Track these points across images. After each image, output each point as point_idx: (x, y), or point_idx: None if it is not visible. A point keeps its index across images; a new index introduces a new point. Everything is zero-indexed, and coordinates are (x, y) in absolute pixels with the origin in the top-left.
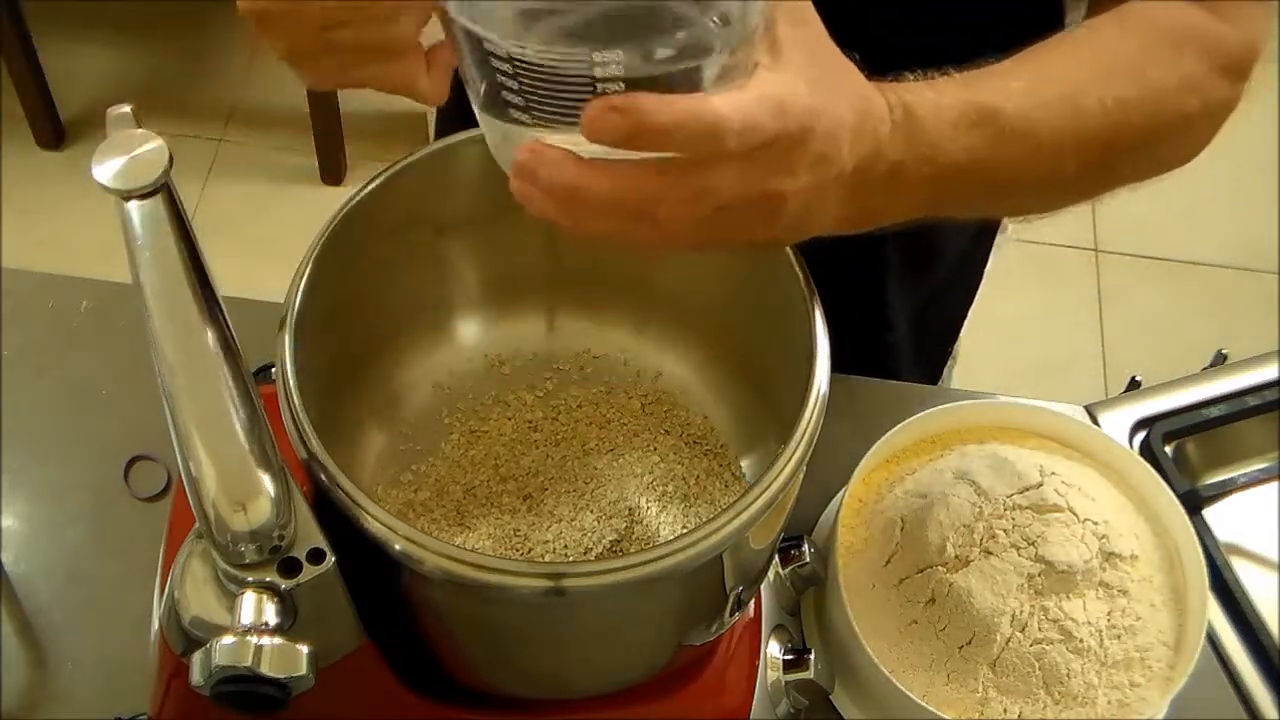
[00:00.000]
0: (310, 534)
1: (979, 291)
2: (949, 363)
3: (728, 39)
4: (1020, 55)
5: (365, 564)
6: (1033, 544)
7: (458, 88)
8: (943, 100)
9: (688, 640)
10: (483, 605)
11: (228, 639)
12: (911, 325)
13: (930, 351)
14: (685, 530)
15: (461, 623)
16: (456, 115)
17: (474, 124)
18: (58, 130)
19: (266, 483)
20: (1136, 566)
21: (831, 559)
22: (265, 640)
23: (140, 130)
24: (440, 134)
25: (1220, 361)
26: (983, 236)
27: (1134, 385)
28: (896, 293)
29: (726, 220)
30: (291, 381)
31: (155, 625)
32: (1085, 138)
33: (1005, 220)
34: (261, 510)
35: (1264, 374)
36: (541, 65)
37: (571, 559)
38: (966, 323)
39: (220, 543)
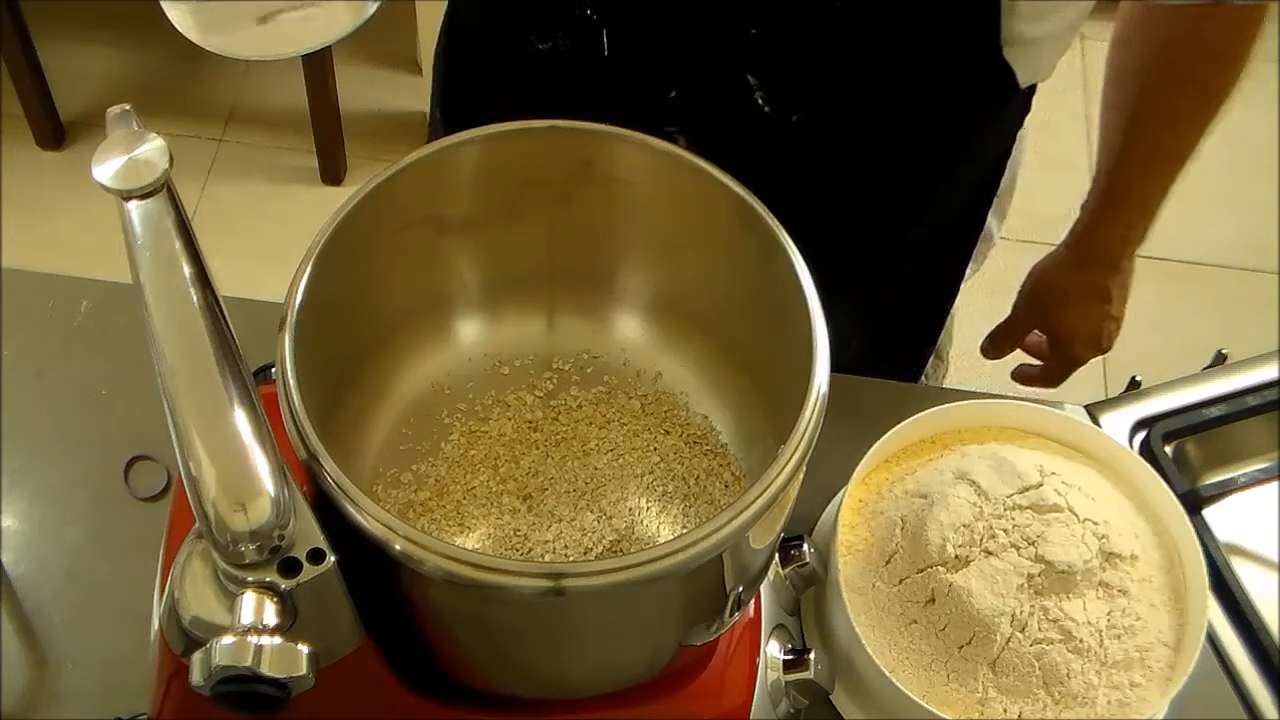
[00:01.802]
0: (310, 534)
1: (964, 294)
2: (936, 364)
3: None
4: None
5: (365, 564)
6: (1033, 544)
7: (452, 91)
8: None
9: (688, 640)
10: (483, 605)
11: (228, 639)
12: (875, 338)
13: (901, 359)
14: (685, 530)
15: (461, 623)
16: (452, 120)
17: (468, 126)
18: (58, 130)
19: (266, 483)
20: (1136, 566)
21: (831, 559)
22: (265, 640)
23: (140, 130)
24: (434, 136)
25: (1220, 361)
26: (957, 255)
27: (1134, 385)
28: (846, 315)
29: None
30: (291, 381)
31: (155, 625)
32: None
33: (988, 229)
34: (261, 510)
35: (1264, 374)
36: None
37: (571, 559)
38: (967, 322)
39: (220, 543)
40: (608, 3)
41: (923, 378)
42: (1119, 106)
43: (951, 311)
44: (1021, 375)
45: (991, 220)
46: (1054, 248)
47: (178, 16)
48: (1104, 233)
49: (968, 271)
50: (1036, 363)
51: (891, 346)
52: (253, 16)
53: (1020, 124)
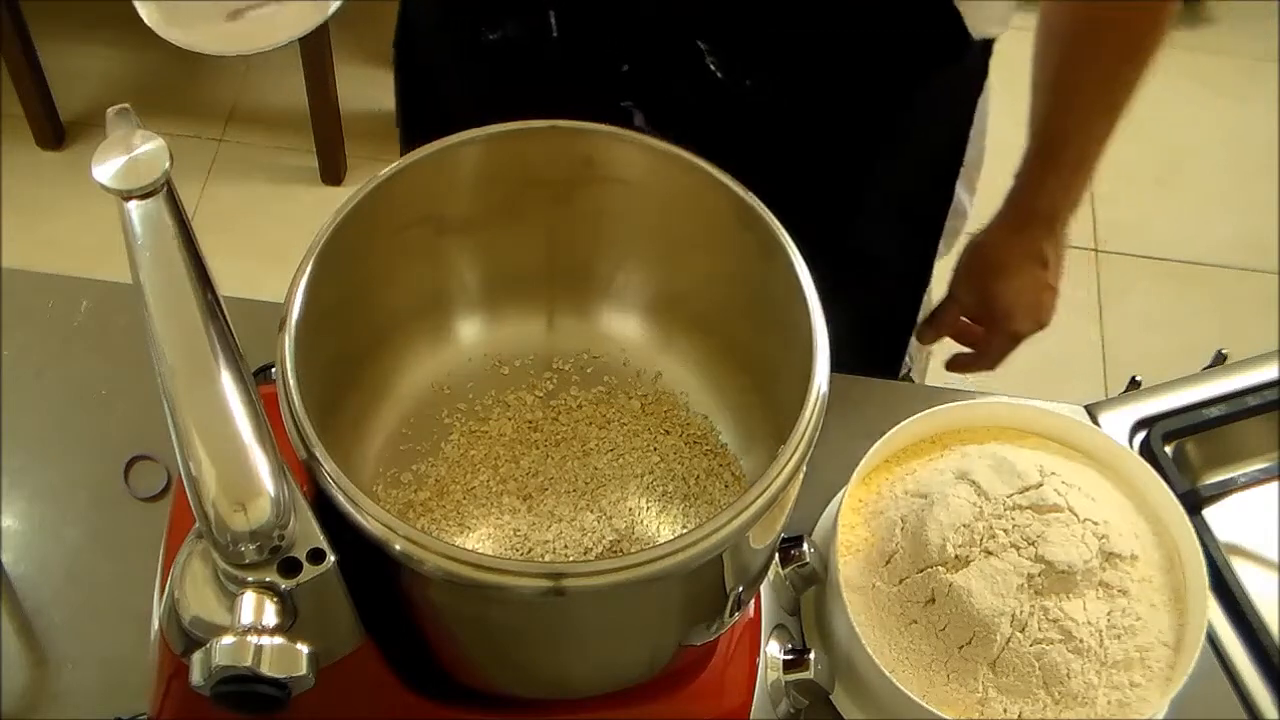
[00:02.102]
0: (310, 534)
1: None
2: (917, 349)
3: None
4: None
5: (365, 564)
6: (1033, 544)
7: (410, 89)
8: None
9: (688, 640)
10: (483, 605)
11: (228, 639)
12: (850, 322)
13: (880, 346)
14: (685, 530)
15: (461, 623)
16: (413, 119)
17: (432, 138)
18: (58, 130)
19: (266, 483)
20: (1136, 566)
21: (831, 559)
22: (265, 640)
23: (140, 130)
24: (407, 138)
25: (1220, 361)
26: (925, 232)
27: (1134, 385)
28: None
29: None
30: (291, 381)
31: (155, 625)
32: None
33: (960, 204)
34: (261, 510)
35: (1264, 374)
36: None
37: (571, 559)
38: None
39: (220, 543)
40: None
41: (906, 363)
42: (1048, 63)
43: (928, 297)
44: (957, 364)
45: (962, 194)
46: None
47: (146, 11)
48: (1039, 194)
49: (941, 249)
50: (969, 351)
51: (869, 329)
52: (220, 13)
53: (979, 89)
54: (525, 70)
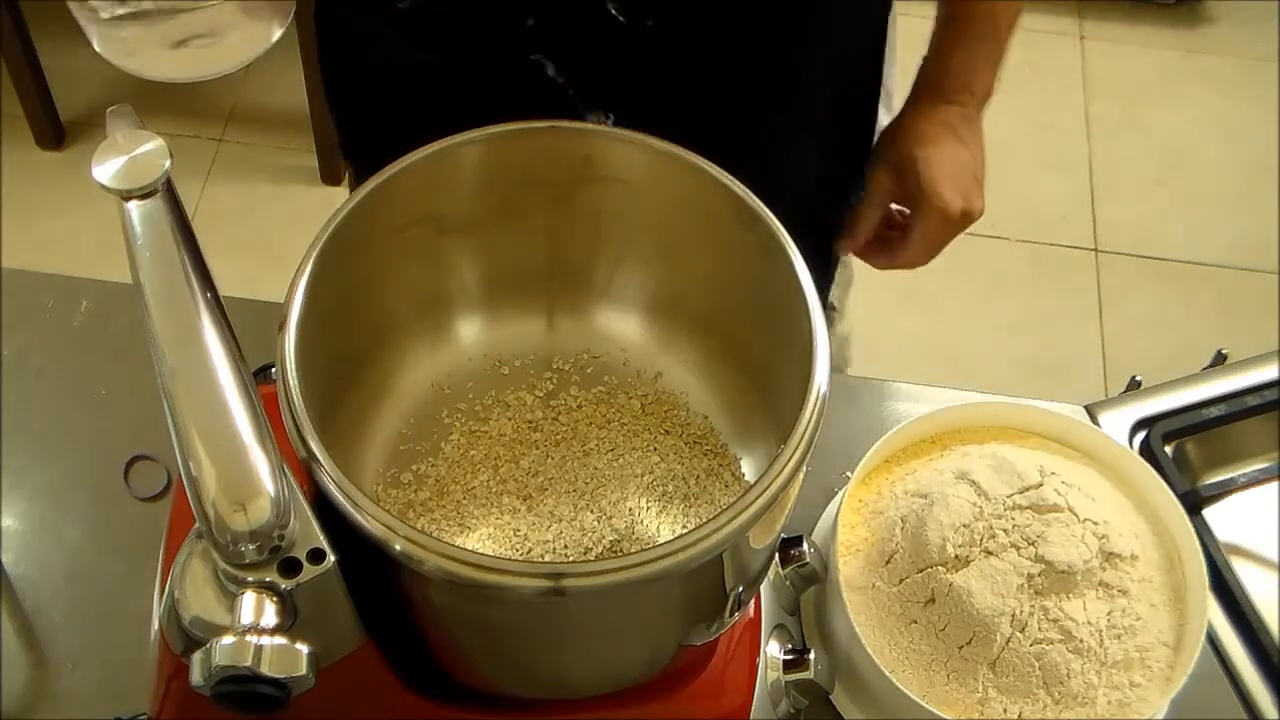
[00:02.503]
0: (310, 534)
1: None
2: (835, 317)
3: None
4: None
5: (365, 564)
6: (1033, 544)
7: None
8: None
9: (688, 640)
10: (483, 605)
11: (228, 639)
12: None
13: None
14: (685, 530)
15: (461, 623)
16: (339, 102)
17: (358, 113)
18: (58, 130)
19: (266, 483)
20: (1136, 566)
21: (831, 559)
22: (265, 640)
23: (140, 130)
24: (341, 121)
25: (1220, 361)
26: (851, 155)
27: (1134, 385)
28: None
29: None
30: (291, 381)
31: (155, 625)
32: None
33: (880, 125)
34: (261, 510)
35: (1264, 374)
36: None
37: (571, 559)
38: (967, 322)
39: (220, 543)
40: None
41: (831, 303)
42: None
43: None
44: (882, 255)
45: (882, 114)
46: (1054, 246)
47: (97, 41)
48: (948, 70)
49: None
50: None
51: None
52: (166, 42)
53: (884, 7)
54: (437, 35)
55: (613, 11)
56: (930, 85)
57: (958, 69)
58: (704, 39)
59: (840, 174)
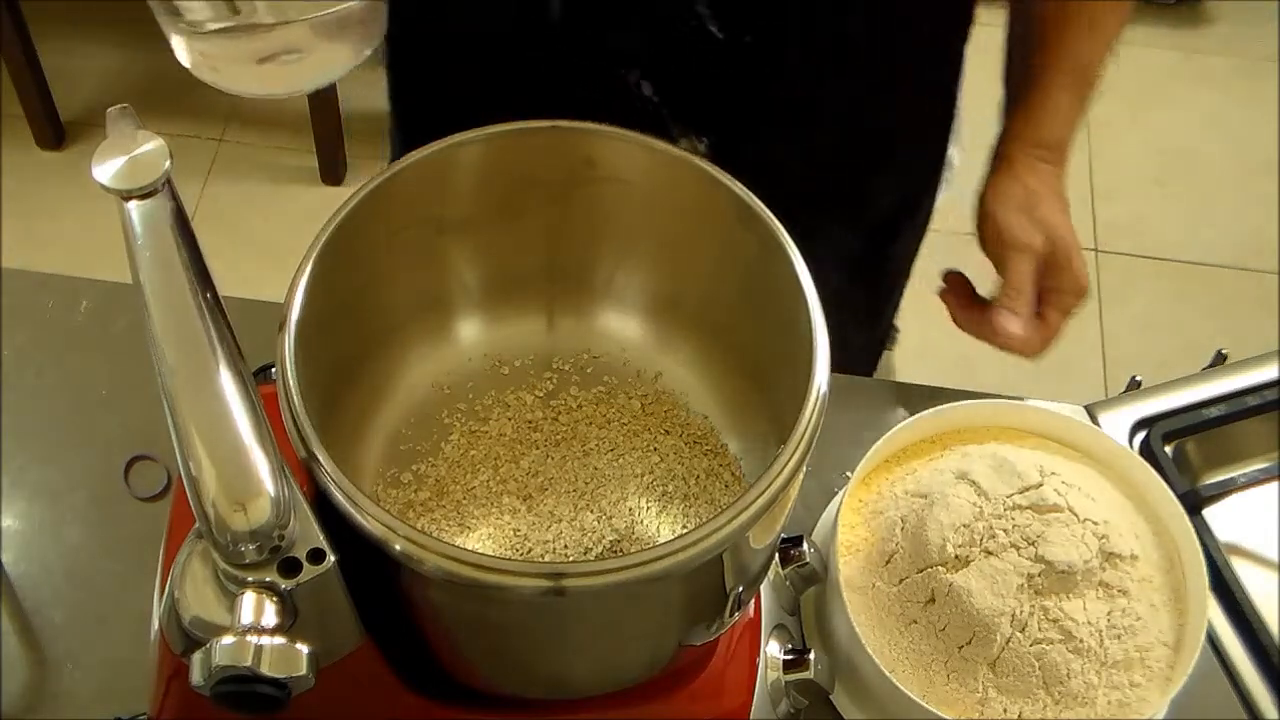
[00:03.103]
0: (310, 534)
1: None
2: (886, 350)
3: None
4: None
5: (365, 564)
6: (1033, 544)
7: (411, 88)
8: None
9: (688, 640)
10: (483, 605)
11: (228, 639)
12: (851, 275)
13: (862, 311)
14: (685, 530)
15: (461, 623)
16: (417, 133)
17: (431, 138)
18: (58, 130)
19: (266, 483)
20: (1136, 566)
21: (831, 559)
22: (265, 640)
23: (140, 130)
24: (401, 136)
25: (1220, 361)
26: (925, 183)
27: (1134, 385)
28: (831, 244)
29: None
30: (291, 381)
31: (155, 625)
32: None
33: (950, 156)
34: (261, 510)
35: (1264, 374)
36: None
37: (571, 559)
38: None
39: (220, 543)
40: None
41: (890, 337)
42: None
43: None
44: (1013, 338)
45: (952, 149)
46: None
47: (180, 52)
48: (1051, 115)
49: (940, 201)
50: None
51: (861, 290)
52: (251, 57)
53: (964, 36)
54: (530, 56)
55: (710, 28)
56: (1035, 137)
57: (1062, 121)
58: (801, 51)
59: (915, 194)
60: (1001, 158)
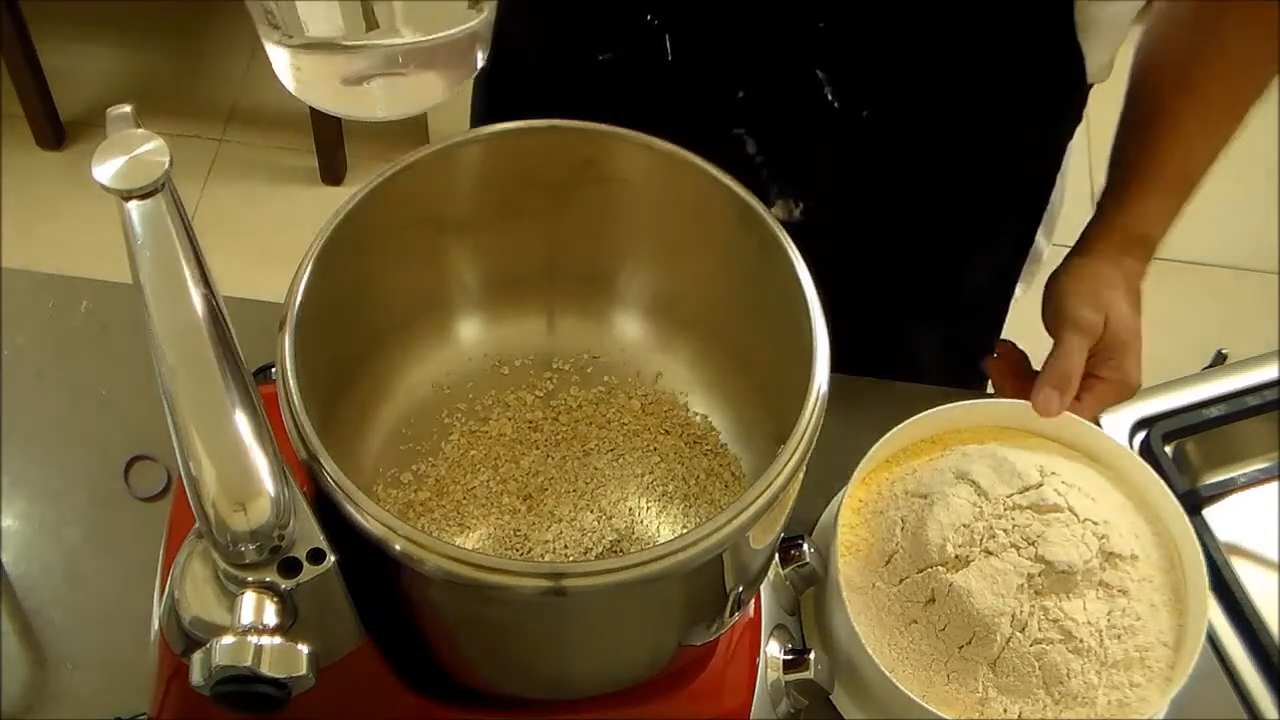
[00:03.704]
0: (310, 534)
1: (1013, 316)
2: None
3: None
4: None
5: (365, 564)
6: (1033, 544)
7: (502, 103)
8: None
9: (688, 640)
10: (483, 605)
11: (228, 639)
12: (932, 355)
13: (957, 379)
14: (685, 530)
15: (461, 623)
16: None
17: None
18: (58, 130)
19: (266, 483)
20: (1136, 566)
21: (831, 559)
22: (265, 640)
23: (140, 130)
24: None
25: (1220, 361)
26: (1008, 271)
27: None
28: (916, 324)
29: None
30: (291, 381)
31: (155, 625)
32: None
33: (1038, 247)
34: (261, 510)
35: (1264, 374)
36: None
37: (571, 559)
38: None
39: (220, 543)
40: (671, 6)
41: None
42: (1160, 65)
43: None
44: (1049, 415)
45: (1041, 237)
46: (1054, 246)
47: (276, 60)
48: (1135, 217)
49: (1018, 292)
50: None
51: (947, 363)
52: (346, 77)
53: (1071, 133)
54: (632, 93)
55: (828, 96)
56: (1123, 234)
57: (1144, 223)
58: (916, 136)
59: (1010, 257)
60: (1085, 239)
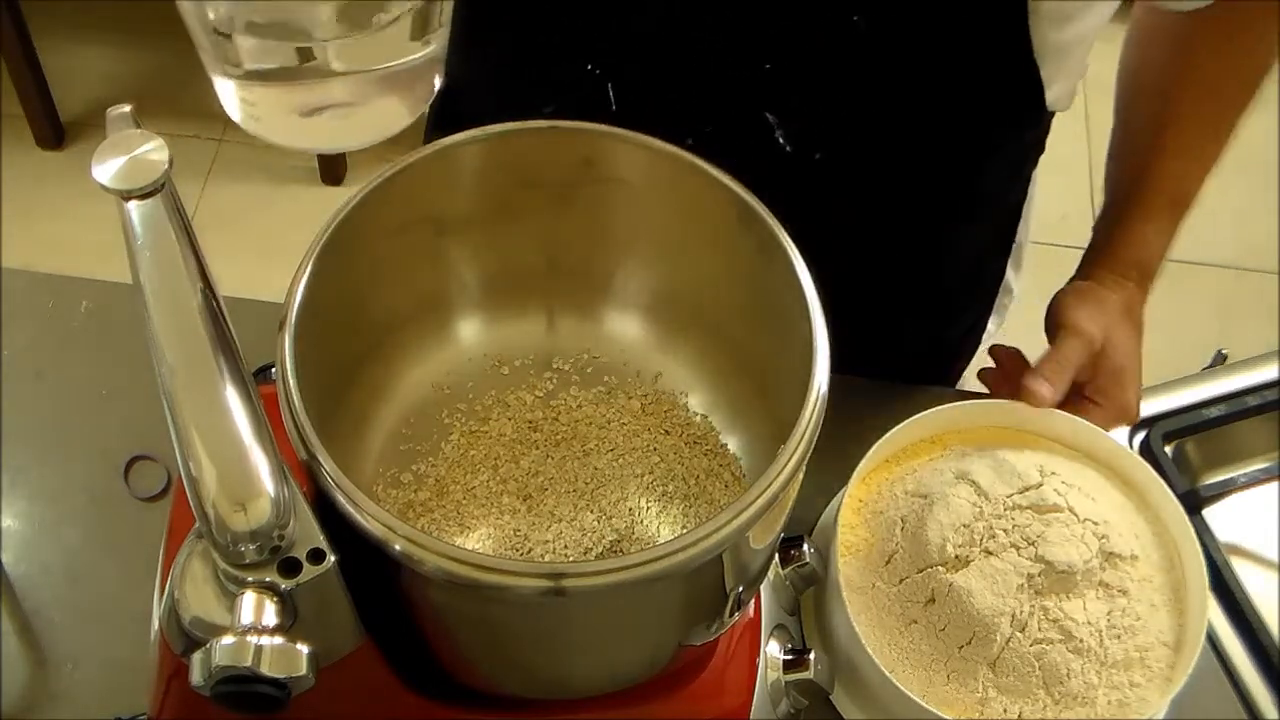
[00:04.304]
0: (310, 534)
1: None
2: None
3: None
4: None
5: (365, 564)
6: (1033, 544)
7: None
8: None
9: (688, 640)
10: (483, 605)
11: (228, 639)
12: (920, 358)
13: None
14: (685, 530)
15: (461, 623)
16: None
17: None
18: (58, 130)
19: (266, 483)
20: (1136, 566)
21: (831, 559)
22: (265, 640)
23: (140, 130)
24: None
25: (1220, 361)
26: (979, 307)
27: None
28: (890, 361)
29: None
30: (291, 381)
31: (155, 625)
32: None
33: (1008, 282)
34: (261, 510)
35: (1264, 374)
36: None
37: (571, 559)
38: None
39: (220, 543)
40: (611, 56)
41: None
42: (1142, 81)
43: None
44: (1037, 399)
45: (1010, 273)
46: (1054, 246)
47: (223, 93)
48: (1143, 239)
49: (990, 328)
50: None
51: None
52: (298, 108)
53: (1035, 162)
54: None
55: (779, 139)
56: (1111, 263)
57: (1142, 248)
58: (870, 176)
59: (981, 293)
60: (1085, 265)
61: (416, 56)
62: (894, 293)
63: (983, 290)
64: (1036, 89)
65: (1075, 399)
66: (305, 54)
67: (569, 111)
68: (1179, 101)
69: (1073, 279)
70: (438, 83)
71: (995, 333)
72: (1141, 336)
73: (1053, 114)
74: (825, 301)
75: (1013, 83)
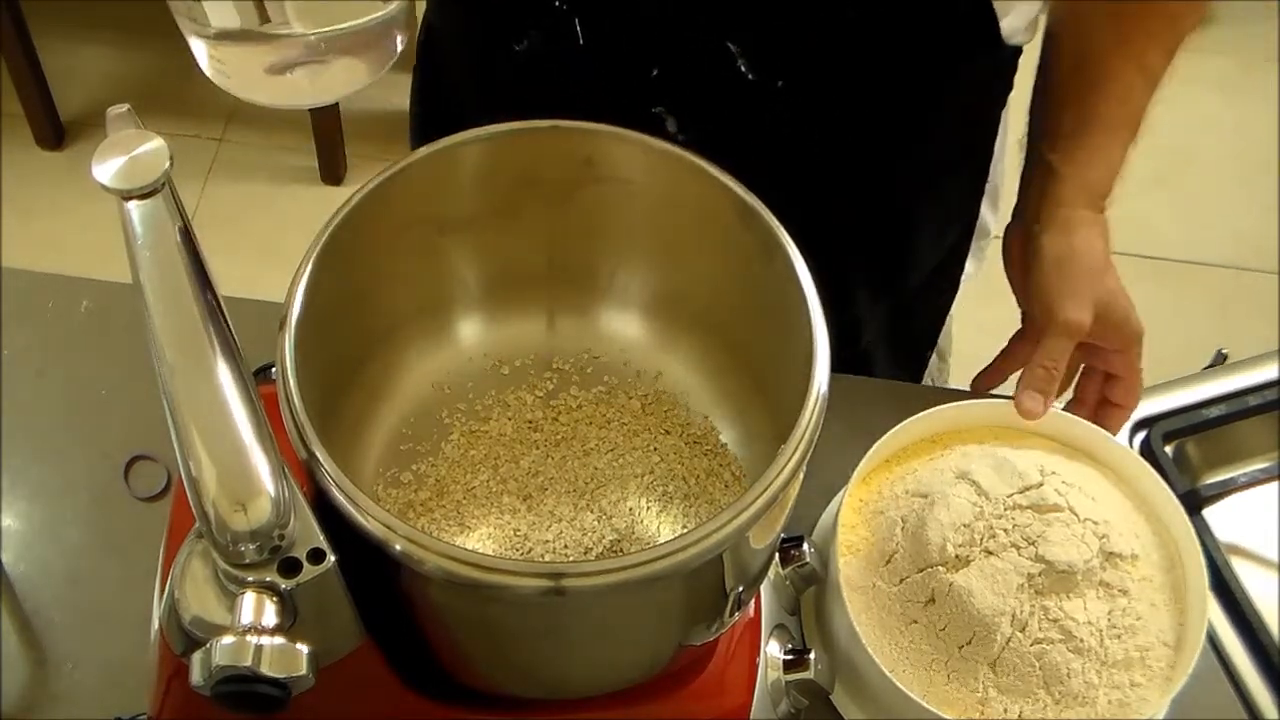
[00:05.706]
0: (310, 534)
1: (963, 292)
2: (939, 365)
3: None
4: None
5: (365, 564)
6: (1033, 544)
7: (433, 98)
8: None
9: (688, 640)
10: (483, 605)
11: (228, 639)
12: (881, 335)
13: (904, 359)
14: (685, 530)
15: (461, 623)
16: (434, 123)
17: (450, 131)
18: (58, 130)
19: (266, 483)
20: (1136, 566)
21: (831, 559)
22: (265, 640)
23: (140, 130)
24: (418, 141)
25: (1220, 361)
26: (955, 249)
27: None
28: (865, 304)
29: None
30: (291, 381)
31: (155, 625)
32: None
33: (985, 224)
34: (261, 510)
35: (1264, 374)
36: None
37: (571, 559)
38: (967, 324)
39: (220, 543)
40: None
41: (926, 378)
42: (1083, 32)
43: (951, 311)
44: (1030, 416)
45: (987, 213)
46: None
47: (197, 52)
48: (1105, 161)
49: (969, 270)
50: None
51: (896, 343)
52: (266, 66)
53: (1004, 101)
54: (550, 78)
55: (742, 69)
56: (1083, 193)
57: (1099, 170)
58: (833, 102)
59: (957, 234)
60: (1051, 210)
61: (375, 17)
62: (874, 230)
63: (958, 229)
64: (989, 16)
65: (1096, 405)
66: (266, 15)
67: (539, 49)
68: (1133, 26)
69: (1042, 229)
70: (400, 43)
71: (975, 274)
72: (1114, 269)
73: (1017, 52)
74: (824, 299)
75: (965, 8)
